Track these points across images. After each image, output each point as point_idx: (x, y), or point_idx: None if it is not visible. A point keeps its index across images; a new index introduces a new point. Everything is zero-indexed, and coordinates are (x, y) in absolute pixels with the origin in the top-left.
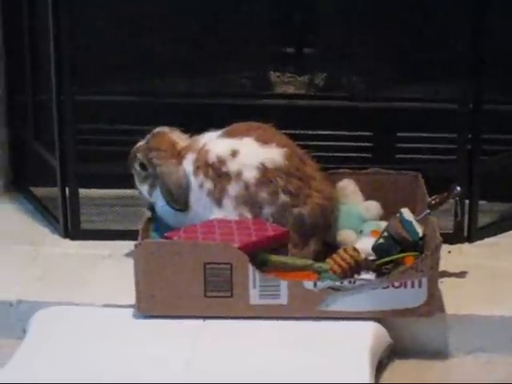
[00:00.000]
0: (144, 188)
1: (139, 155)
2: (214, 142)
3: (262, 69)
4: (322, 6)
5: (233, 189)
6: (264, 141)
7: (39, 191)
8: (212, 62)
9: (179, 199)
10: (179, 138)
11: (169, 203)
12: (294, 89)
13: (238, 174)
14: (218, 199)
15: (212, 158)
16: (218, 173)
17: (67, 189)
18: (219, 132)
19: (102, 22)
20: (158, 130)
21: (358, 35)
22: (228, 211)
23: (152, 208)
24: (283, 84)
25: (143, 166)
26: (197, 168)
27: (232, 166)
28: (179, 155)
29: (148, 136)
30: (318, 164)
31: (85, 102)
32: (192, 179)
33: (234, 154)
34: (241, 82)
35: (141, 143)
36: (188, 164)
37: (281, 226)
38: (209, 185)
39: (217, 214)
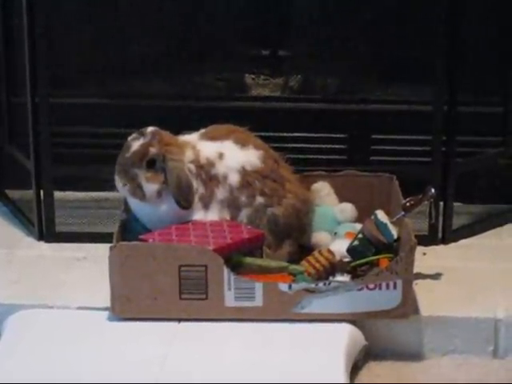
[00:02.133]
0: (153, 187)
1: (153, 150)
2: (201, 144)
3: (236, 71)
4: (296, 9)
5: (220, 193)
6: (242, 143)
7: (14, 194)
8: (187, 64)
9: (191, 197)
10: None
11: (179, 200)
12: (268, 91)
13: (224, 178)
14: (206, 203)
15: (203, 159)
16: (208, 175)
17: (42, 191)
18: (197, 134)
19: (77, 23)
20: (153, 128)
21: (332, 38)
22: (213, 215)
23: (127, 210)
24: (258, 86)
25: (151, 164)
26: (195, 168)
27: (220, 169)
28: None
29: (147, 135)
30: (293, 166)
31: (60, 105)
32: (192, 180)
33: (221, 156)
34: (216, 84)
35: (136, 143)
36: (188, 162)
37: (255, 227)
38: (202, 189)
39: (201, 217)
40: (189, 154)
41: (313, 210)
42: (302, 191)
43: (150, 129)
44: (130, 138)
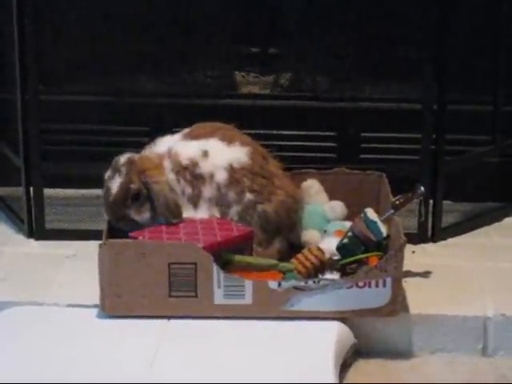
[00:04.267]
0: (145, 216)
1: (133, 186)
2: (181, 145)
3: (227, 69)
4: (286, 7)
5: (207, 191)
6: (228, 140)
7: (3, 191)
8: (177, 62)
9: (179, 213)
10: (146, 153)
11: (169, 220)
12: (258, 89)
13: (211, 176)
14: (195, 202)
15: (184, 160)
16: (193, 175)
17: (32, 189)
18: (179, 135)
19: (67, 20)
20: (125, 158)
21: (322, 36)
22: (202, 213)
23: None
24: (248, 84)
25: (136, 197)
26: (177, 173)
27: (205, 168)
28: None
29: (121, 170)
30: (283, 164)
31: (50, 102)
32: (176, 186)
33: (205, 154)
34: (206, 81)
35: (115, 184)
36: (168, 173)
37: (246, 225)
38: (189, 189)
39: (191, 216)
40: (167, 165)
41: (302, 206)
42: (291, 187)
43: (123, 160)
44: (106, 177)
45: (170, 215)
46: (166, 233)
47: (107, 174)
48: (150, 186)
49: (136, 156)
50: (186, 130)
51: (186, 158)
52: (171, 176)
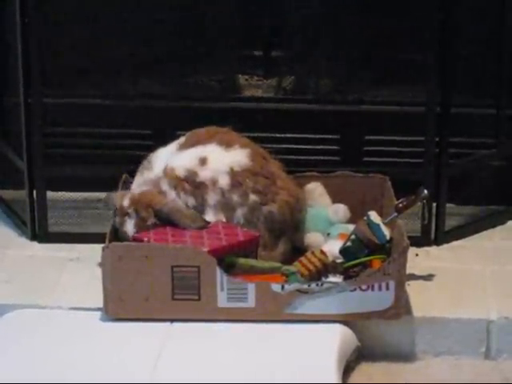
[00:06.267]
0: None
1: (150, 221)
2: (176, 158)
3: (230, 72)
4: (289, 10)
5: (211, 198)
6: (227, 144)
7: (6, 194)
8: (180, 65)
9: (199, 218)
10: (142, 188)
11: (200, 226)
12: (262, 92)
13: (214, 182)
14: (200, 212)
15: (182, 172)
16: (193, 185)
17: (35, 191)
18: (174, 145)
19: (71, 23)
20: (126, 199)
21: (325, 39)
22: (209, 220)
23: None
24: (251, 87)
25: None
26: (175, 188)
27: (205, 175)
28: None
29: (129, 210)
30: (286, 167)
31: (53, 105)
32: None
33: (203, 161)
34: (209, 85)
35: (131, 226)
36: (168, 193)
37: (252, 227)
38: (192, 200)
39: None
40: (165, 187)
41: (305, 207)
42: (293, 188)
43: (126, 202)
44: (117, 225)
45: (192, 223)
46: (171, 235)
47: (116, 222)
48: (162, 211)
49: (134, 193)
50: (182, 140)
51: (183, 169)
52: (172, 194)
